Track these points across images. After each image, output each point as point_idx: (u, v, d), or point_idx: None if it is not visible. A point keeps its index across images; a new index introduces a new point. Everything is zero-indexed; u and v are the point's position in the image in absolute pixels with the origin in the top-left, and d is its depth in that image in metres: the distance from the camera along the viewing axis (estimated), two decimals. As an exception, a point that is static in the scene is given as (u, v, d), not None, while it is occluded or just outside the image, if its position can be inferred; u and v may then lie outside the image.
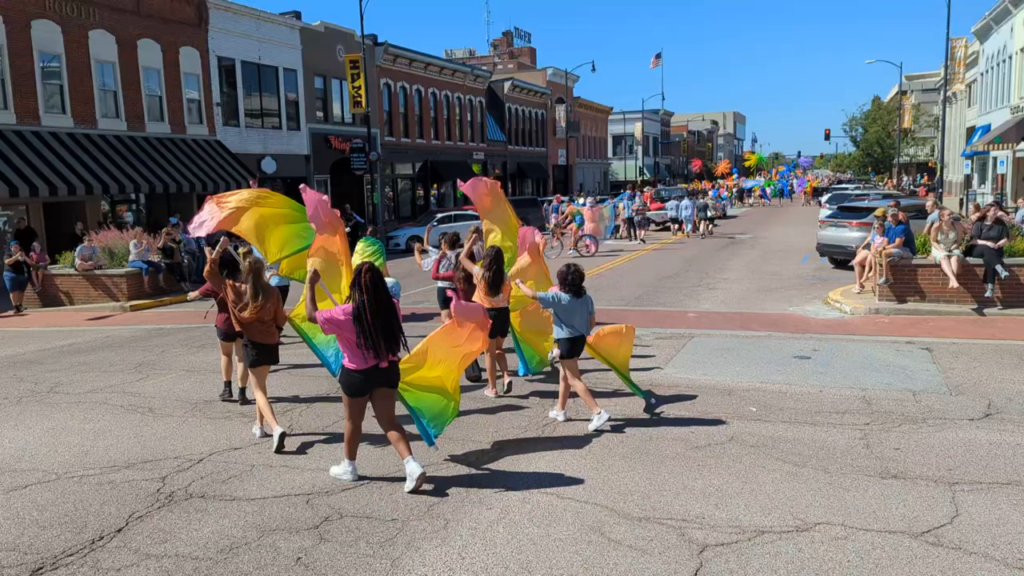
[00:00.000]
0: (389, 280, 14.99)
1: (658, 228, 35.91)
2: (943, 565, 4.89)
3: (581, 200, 38.43)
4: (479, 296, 9.24)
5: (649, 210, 35.41)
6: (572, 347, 7.94)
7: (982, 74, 45.04)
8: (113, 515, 6.05)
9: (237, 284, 8.09)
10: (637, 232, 31.90)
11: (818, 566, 4.92)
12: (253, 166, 30.94)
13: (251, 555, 5.32)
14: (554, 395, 8.96)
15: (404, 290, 15.85)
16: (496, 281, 9.09)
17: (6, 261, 18.66)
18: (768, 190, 67.98)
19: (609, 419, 7.84)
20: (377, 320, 6.24)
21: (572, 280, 7.92)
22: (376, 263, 9.45)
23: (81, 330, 15.72)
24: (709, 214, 34.09)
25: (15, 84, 22.68)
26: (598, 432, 7.63)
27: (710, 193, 45.96)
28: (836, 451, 6.94)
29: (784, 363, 10.37)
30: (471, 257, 9.83)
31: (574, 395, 8.22)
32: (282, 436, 7.50)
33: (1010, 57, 37.20)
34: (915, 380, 9.28)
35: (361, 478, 6.69)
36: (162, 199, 27.71)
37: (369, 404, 6.63)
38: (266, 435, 7.78)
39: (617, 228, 32.29)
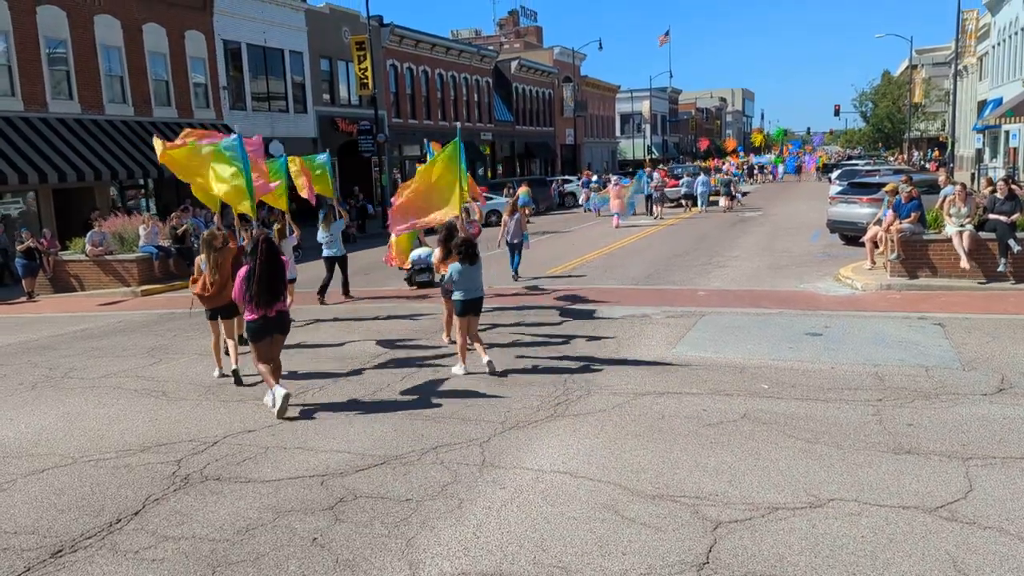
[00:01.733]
0: (424, 250, 15.45)
1: (672, 204, 36.10)
2: (958, 540, 4.89)
3: (595, 178, 39.59)
4: (439, 268, 10.35)
5: (667, 187, 35.93)
6: (466, 307, 9.31)
7: (994, 47, 44.51)
8: (130, 498, 6.10)
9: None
10: (655, 208, 32.71)
11: (832, 542, 4.93)
12: (261, 150, 30.92)
13: (267, 536, 5.36)
14: (562, 371, 9.01)
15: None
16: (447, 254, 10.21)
17: (18, 248, 18.75)
18: (780, 167, 67.60)
19: (467, 372, 9.17)
20: (263, 281, 7.97)
21: (466, 250, 9.31)
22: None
23: (93, 315, 15.81)
24: (731, 190, 35.38)
25: (22, 70, 22.71)
26: (608, 411, 7.65)
27: (732, 171, 46.54)
28: (849, 427, 6.93)
29: (796, 340, 10.35)
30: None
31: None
32: (235, 372, 9.19)
33: (1022, 29, 36.75)
34: (927, 356, 9.24)
35: (288, 396, 8.01)
36: (171, 184, 27.72)
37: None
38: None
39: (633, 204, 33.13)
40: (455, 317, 9.57)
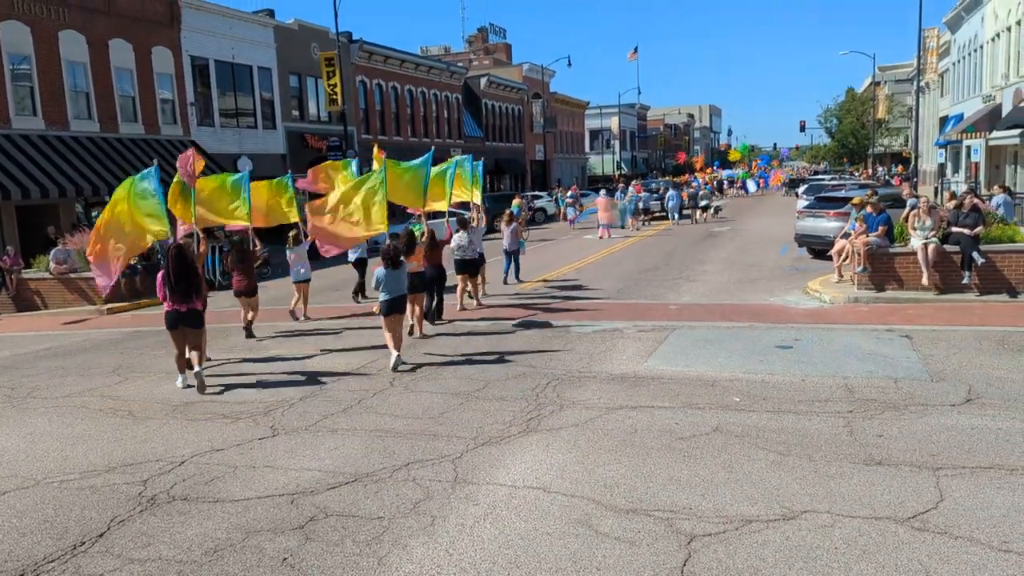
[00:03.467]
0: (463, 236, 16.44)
1: (646, 218, 37.07)
2: (930, 550, 4.92)
3: (570, 193, 40.87)
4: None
5: (641, 201, 37.40)
6: (390, 307, 10.52)
7: (954, 64, 45.49)
8: (95, 520, 5.96)
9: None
10: (629, 221, 34.28)
11: (806, 554, 4.94)
12: (229, 166, 30.65)
13: (236, 557, 5.26)
14: (534, 386, 8.99)
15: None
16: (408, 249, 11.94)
17: (-21, 266, 18.38)
18: (749, 182, 68.30)
19: (401, 363, 10.38)
20: (175, 281, 9.72)
21: (390, 256, 10.55)
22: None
23: (57, 334, 15.52)
24: (703, 203, 37.34)
25: (-16, 86, 22.33)
26: (581, 425, 7.63)
27: (702, 184, 47.42)
28: (820, 439, 6.97)
29: (766, 353, 10.41)
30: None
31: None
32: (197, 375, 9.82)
33: (981, 47, 37.60)
34: (896, 367, 9.34)
35: (189, 386, 9.81)
36: (137, 201, 27.40)
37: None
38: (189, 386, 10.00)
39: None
40: (382, 317, 10.76)
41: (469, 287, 15.26)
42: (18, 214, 23.82)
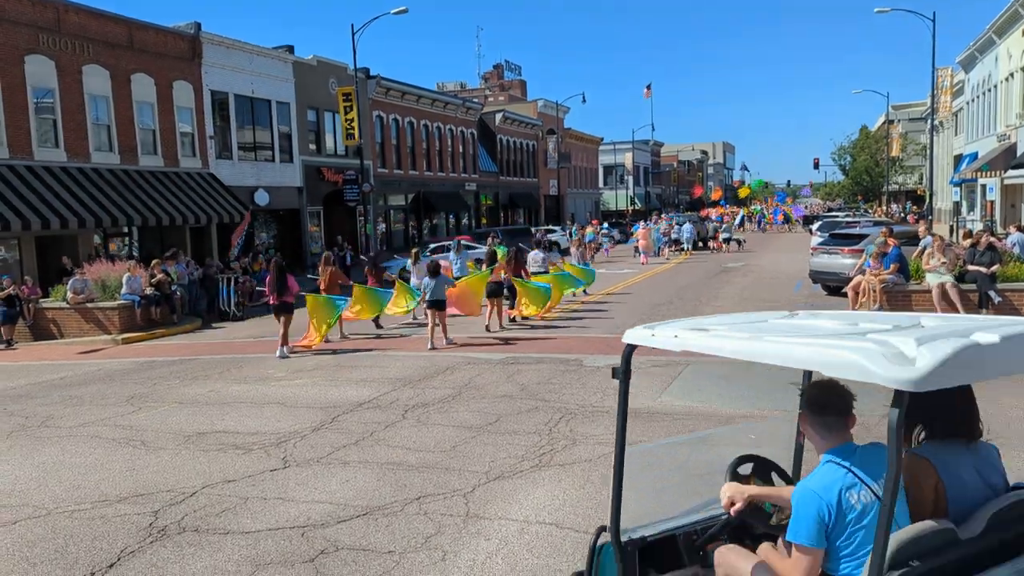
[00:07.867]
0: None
1: (675, 248, 40.68)
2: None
3: (584, 229, 42.83)
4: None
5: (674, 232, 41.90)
6: (431, 305, 14.80)
7: (968, 103, 45.58)
8: (104, 550, 5.95)
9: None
10: (661, 251, 37.80)
11: (822, 594, 4.85)
12: (246, 198, 30.99)
13: (246, 590, 5.22)
14: (547, 420, 8.96)
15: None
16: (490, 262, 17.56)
17: (-2, 295, 18.55)
18: (768, 217, 68.39)
19: (433, 348, 14.28)
20: (274, 284, 14.68)
21: (430, 269, 15.01)
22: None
23: (72, 364, 15.60)
24: (725, 235, 42.48)
25: (8, 119, 22.74)
26: (594, 460, 7.58)
27: (727, 219, 51.21)
28: (836, 478, 6.87)
29: (781, 390, 10.31)
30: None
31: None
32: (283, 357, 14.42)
33: (995, 86, 37.68)
34: (912, 406, 9.22)
35: (286, 356, 14.36)
36: (155, 232, 27.71)
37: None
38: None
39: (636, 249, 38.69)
40: (428, 310, 14.97)
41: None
42: (37, 244, 24.10)
